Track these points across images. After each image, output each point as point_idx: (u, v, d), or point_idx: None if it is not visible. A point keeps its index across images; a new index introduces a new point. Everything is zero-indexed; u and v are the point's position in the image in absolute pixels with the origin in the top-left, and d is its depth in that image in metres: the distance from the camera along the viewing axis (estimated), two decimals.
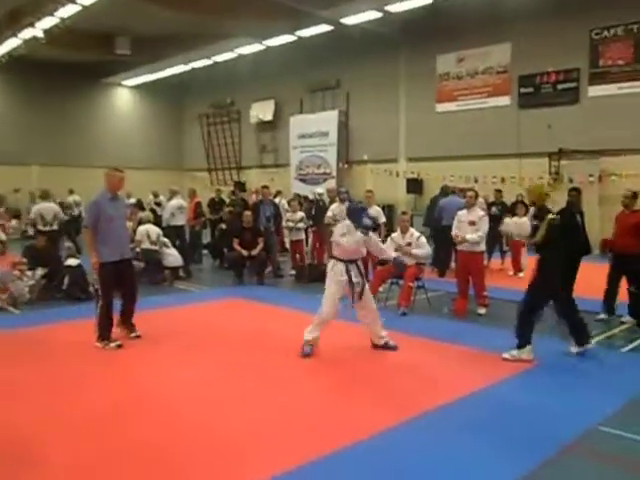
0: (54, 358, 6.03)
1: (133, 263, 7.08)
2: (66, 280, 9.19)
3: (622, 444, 4.07)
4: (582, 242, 7.81)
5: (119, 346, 6.37)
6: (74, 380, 5.34)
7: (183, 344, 6.61)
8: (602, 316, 7.64)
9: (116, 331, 6.60)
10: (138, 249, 10.71)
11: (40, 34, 18.13)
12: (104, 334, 6.41)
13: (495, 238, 12.52)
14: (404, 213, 9.28)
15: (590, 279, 7.53)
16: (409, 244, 8.35)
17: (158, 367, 5.78)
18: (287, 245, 13.28)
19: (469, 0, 16.01)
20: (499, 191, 13.40)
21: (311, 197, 13.77)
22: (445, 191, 12.48)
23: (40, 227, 11.38)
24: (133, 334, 6.74)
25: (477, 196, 8.68)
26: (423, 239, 8.34)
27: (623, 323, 7.43)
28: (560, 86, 17.01)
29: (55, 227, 11.74)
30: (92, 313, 7.83)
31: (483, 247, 8.31)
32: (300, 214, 11.61)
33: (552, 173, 16.68)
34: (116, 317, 6.66)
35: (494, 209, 12.61)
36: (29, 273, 9.01)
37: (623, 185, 11.75)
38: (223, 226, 13.22)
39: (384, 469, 3.66)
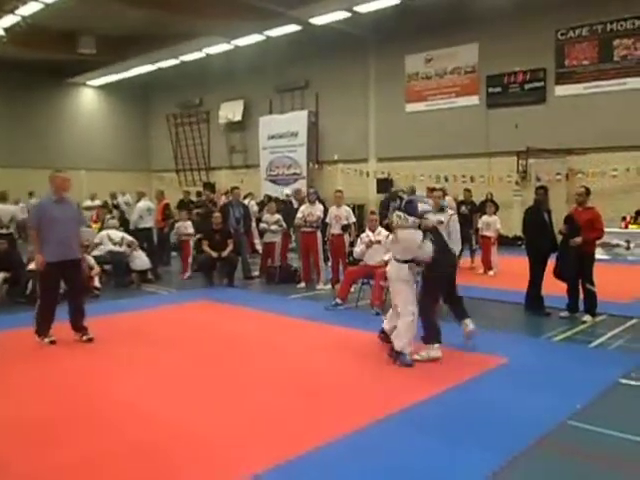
0: (14, 363, 5.84)
1: (81, 265, 7.07)
2: (30, 285, 8.95)
3: (591, 438, 4.09)
4: (550, 240, 7.92)
5: (52, 342, 6.53)
6: (36, 385, 5.17)
7: (152, 347, 6.48)
8: (564, 314, 7.73)
9: (69, 334, 6.67)
10: (98, 252, 10.51)
11: (1, 32, 17.68)
12: (39, 329, 6.59)
13: (465, 237, 12.60)
14: (372, 212, 9.33)
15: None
16: (378, 242, 8.33)
17: (125, 370, 5.63)
18: (257, 247, 13.19)
19: (437, 1, 16.08)
20: (468, 190, 13.52)
21: (282, 198, 13.70)
22: (393, 196, 12.53)
23: None
24: (85, 337, 6.69)
25: (445, 195, 8.67)
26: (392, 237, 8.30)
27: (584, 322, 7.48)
28: (527, 86, 17.22)
29: (12, 230, 11.47)
30: (57, 317, 7.66)
31: (457, 245, 8.26)
32: (277, 216, 11.49)
33: (520, 172, 16.89)
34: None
35: (463, 208, 12.68)
36: None
37: (589, 183, 11.92)
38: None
39: (362, 466, 3.63)
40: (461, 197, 13.61)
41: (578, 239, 7.38)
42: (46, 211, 6.53)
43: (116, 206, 16.94)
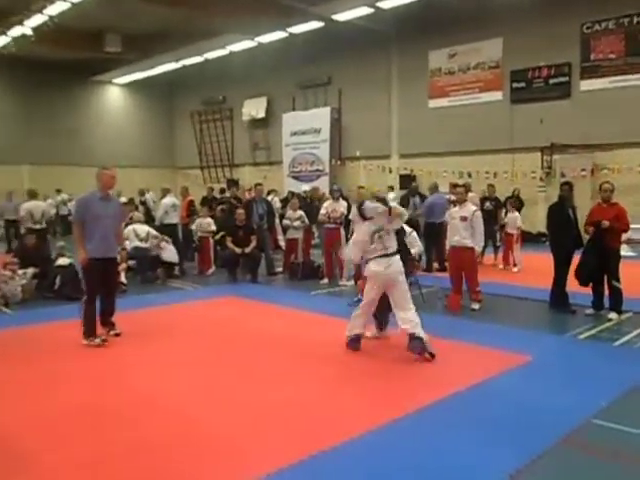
0: (45, 357, 5.98)
1: (117, 264, 7.15)
2: (58, 280, 9.14)
3: (615, 437, 4.07)
4: (575, 236, 7.85)
5: (103, 341, 6.40)
6: (65, 379, 5.30)
7: (177, 342, 6.58)
8: (590, 311, 7.63)
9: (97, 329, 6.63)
10: (126, 247, 10.67)
11: (29, 32, 17.98)
12: (88, 330, 6.43)
13: (488, 234, 12.57)
14: None
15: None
16: None
17: (150, 365, 5.74)
18: (281, 243, 13.26)
19: None
20: (492, 186, 13.40)
21: (302, 195, 13.76)
22: (412, 192, 12.63)
23: (30, 225, 11.29)
24: (112, 332, 6.71)
25: (468, 191, 8.64)
26: (414, 235, 8.28)
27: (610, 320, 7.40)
28: (552, 80, 17.04)
29: (44, 225, 11.67)
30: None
31: (480, 241, 8.25)
32: (299, 213, 11.57)
33: (544, 168, 16.73)
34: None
35: (487, 204, 12.61)
36: (20, 272, 8.93)
37: (615, 179, 11.77)
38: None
39: (382, 465, 3.65)
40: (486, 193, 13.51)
41: (605, 222, 7.26)
42: (90, 207, 6.49)
43: (143, 203, 17.14)
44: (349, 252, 6.40)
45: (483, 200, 12.78)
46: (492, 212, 12.36)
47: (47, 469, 3.65)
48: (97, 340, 6.39)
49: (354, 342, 6.10)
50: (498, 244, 12.59)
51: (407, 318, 5.73)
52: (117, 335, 6.72)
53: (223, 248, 11.34)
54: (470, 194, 12.26)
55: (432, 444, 3.94)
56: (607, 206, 7.55)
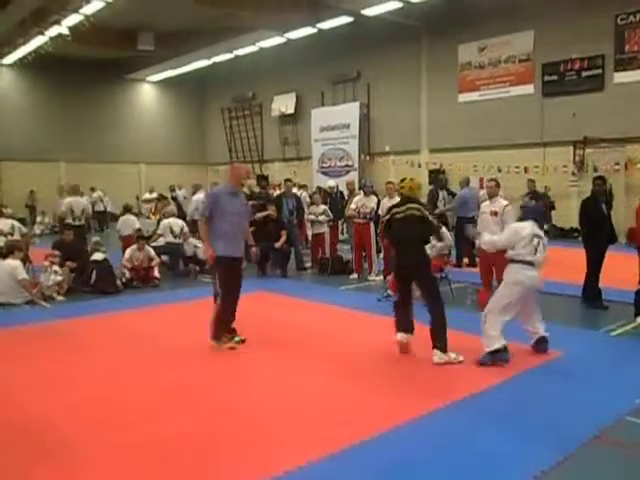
0: (87, 351, 6.18)
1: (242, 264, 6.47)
2: (94, 275, 9.38)
3: None
4: (608, 231, 7.77)
5: (238, 342, 6.12)
6: (109, 372, 5.47)
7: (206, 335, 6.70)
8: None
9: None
10: (156, 243, 10.90)
11: (65, 31, 18.36)
12: (218, 333, 6.08)
13: None
14: None
15: (618, 268, 7.47)
16: None
17: (186, 358, 5.88)
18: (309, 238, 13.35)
19: None
20: (532, 181, 13.21)
21: (327, 190, 13.78)
22: (441, 185, 12.54)
23: (69, 221, 11.58)
24: (237, 338, 6.21)
25: (498, 186, 8.57)
26: (443, 229, 8.23)
27: None
28: (585, 73, 16.73)
29: (83, 222, 11.94)
30: (120, 306, 8.04)
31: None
32: (322, 207, 11.64)
33: (577, 162, 16.48)
34: None
35: (526, 199, 12.57)
36: (56, 268, 9.13)
37: None
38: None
39: (407, 460, 3.71)
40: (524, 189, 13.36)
41: None
42: (219, 202, 6.07)
43: (174, 199, 17.40)
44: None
45: (524, 195, 12.74)
46: None
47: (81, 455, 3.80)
48: (226, 346, 6.06)
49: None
50: None
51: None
52: (242, 342, 6.18)
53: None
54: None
55: (460, 440, 3.96)
56: None
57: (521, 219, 6.00)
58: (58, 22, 17.84)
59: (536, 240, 5.63)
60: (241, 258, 6.26)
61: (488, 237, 6.10)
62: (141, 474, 3.56)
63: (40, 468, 3.62)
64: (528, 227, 5.68)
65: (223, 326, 6.12)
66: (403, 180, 6.55)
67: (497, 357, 5.44)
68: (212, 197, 6.31)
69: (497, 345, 5.43)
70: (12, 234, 10.00)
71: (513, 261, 5.63)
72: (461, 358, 5.53)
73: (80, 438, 4.03)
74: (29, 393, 4.92)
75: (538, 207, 5.92)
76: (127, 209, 13.27)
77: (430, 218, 5.97)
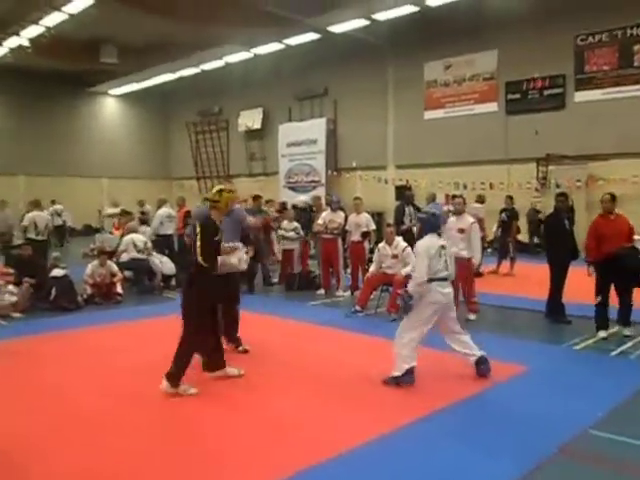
0: (41, 369, 5.96)
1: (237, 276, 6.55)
2: (53, 291, 9.11)
3: (613, 447, 4.08)
4: (571, 247, 7.88)
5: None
6: (60, 387, 5.28)
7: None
8: (602, 335, 7.07)
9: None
10: (121, 259, 10.68)
11: (26, 43, 18.03)
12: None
13: (502, 244, 12.69)
14: (389, 225, 9.31)
15: (580, 283, 7.56)
16: (395, 256, 8.37)
17: (142, 373, 5.71)
18: (277, 254, 13.24)
19: (455, 8, 16.08)
20: (510, 197, 13.33)
21: (300, 205, 13.74)
22: (408, 200, 12.54)
23: (32, 235, 11.26)
24: (241, 348, 6.49)
25: (465, 202, 8.68)
26: (409, 250, 8.17)
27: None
28: (547, 92, 17.16)
29: (45, 237, 11.65)
30: (79, 322, 7.80)
31: (477, 253, 8.24)
32: (294, 224, 11.58)
33: (540, 178, 16.79)
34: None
35: (503, 215, 12.77)
36: (11, 288, 8.82)
37: (610, 189, 11.80)
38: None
39: (378, 476, 3.66)
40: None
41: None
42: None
43: (143, 213, 17.09)
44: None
45: (500, 211, 13.03)
46: (507, 223, 12.54)
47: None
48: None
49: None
50: (512, 255, 12.58)
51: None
52: (245, 351, 6.44)
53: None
54: (475, 205, 12.36)
55: (427, 456, 3.93)
56: (615, 217, 7.23)
57: (420, 236, 5.68)
58: (17, 33, 17.53)
59: (442, 252, 5.45)
60: (233, 274, 6.10)
61: (410, 285, 5.37)
62: None
63: None
64: (433, 241, 5.45)
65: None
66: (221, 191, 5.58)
67: (402, 380, 5.28)
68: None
69: (406, 367, 5.29)
70: None
71: (429, 280, 5.31)
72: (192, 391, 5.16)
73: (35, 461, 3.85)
74: None
75: (432, 218, 5.71)
76: None
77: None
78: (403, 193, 16.21)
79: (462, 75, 19.01)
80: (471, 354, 5.53)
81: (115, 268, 10.05)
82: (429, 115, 19.87)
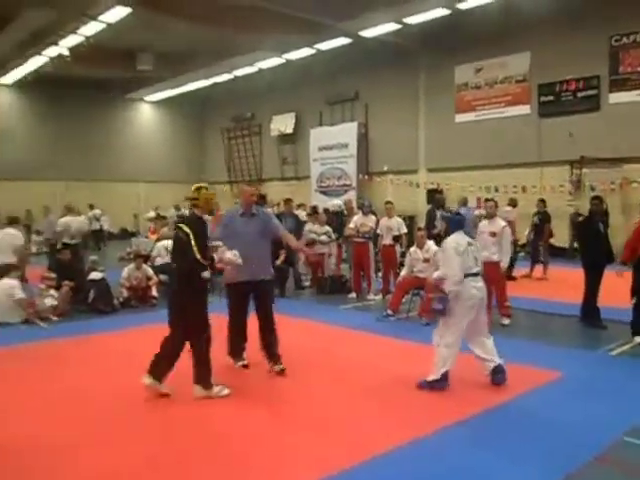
0: (83, 370, 6.14)
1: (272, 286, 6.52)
2: (91, 294, 9.35)
3: None
4: (606, 251, 7.79)
5: (244, 366, 6.17)
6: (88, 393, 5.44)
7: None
8: (639, 340, 6.97)
9: (263, 362, 6.11)
10: (158, 262, 10.86)
11: (65, 52, 18.51)
12: (231, 351, 6.21)
13: (537, 247, 12.58)
14: (420, 229, 9.34)
15: (616, 287, 7.46)
16: (427, 260, 8.39)
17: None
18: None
19: (486, 10, 15.97)
20: (542, 200, 13.25)
21: (332, 209, 13.78)
22: (438, 204, 12.39)
23: (66, 240, 11.54)
24: (277, 367, 5.98)
25: (497, 206, 8.65)
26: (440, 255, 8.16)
27: None
28: (580, 94, 16.89)
29: (79, 240, 11.91)
30: (116, 325, 7.98)
31: (506, 257, 8.20)
32: (326, 228, 11.67)
33: (573, 181, 16.56)
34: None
35: (535, 219, 12.66)
36: (52, 292, 9.07)
37: None
38: None
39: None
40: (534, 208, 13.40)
41: None
42: (229, 224, 6.11)
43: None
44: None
45: (533, 215, 12.99)
46: (539, 226, 12.43)
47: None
48: (239, 364, 6.16)
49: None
50: (542, 259, 12.48)
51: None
52: (282, 371, 5.94)
53: None
54: (507, 208, 12.30)
55: (460, 462, 3.93)
56: None
57: (447, 234, 5.63)
58: (56, 43, 18.01)
59: (471, 248, 5.46)
60: (263, 280, 6.06)
61: (447, 285, 5.33)
62: None
63: None
64: (459, 238, 5.45)
65: (231, 345, 6.19)
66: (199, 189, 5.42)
67: (437, 384, 5.30)
68: (223, 219, 6.38)
69: (443, 370, 5.29)
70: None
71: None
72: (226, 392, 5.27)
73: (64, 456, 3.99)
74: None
75: (458, 216, 5.70)
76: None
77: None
78: (434, 197, 16.16)
79: (494, 78, 18.84)
80: (490, 360, 5.45)
81: (150, 272, 10.25)
82: (460, 118, 19.74)
